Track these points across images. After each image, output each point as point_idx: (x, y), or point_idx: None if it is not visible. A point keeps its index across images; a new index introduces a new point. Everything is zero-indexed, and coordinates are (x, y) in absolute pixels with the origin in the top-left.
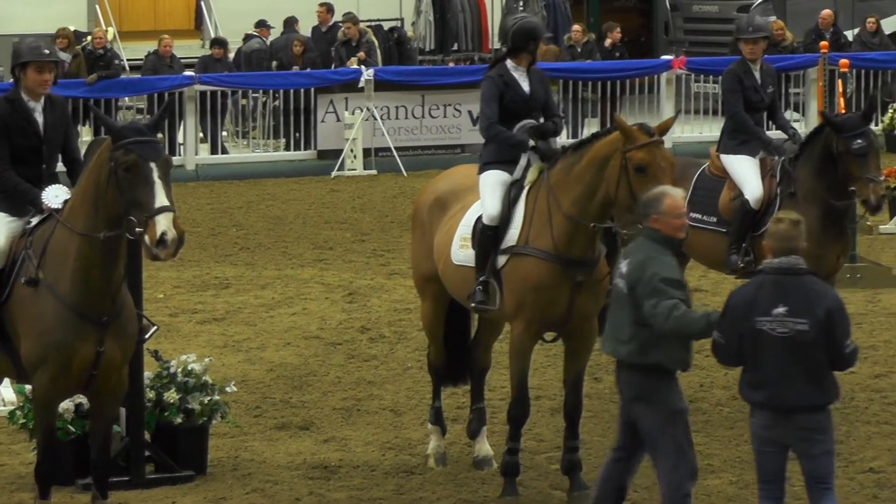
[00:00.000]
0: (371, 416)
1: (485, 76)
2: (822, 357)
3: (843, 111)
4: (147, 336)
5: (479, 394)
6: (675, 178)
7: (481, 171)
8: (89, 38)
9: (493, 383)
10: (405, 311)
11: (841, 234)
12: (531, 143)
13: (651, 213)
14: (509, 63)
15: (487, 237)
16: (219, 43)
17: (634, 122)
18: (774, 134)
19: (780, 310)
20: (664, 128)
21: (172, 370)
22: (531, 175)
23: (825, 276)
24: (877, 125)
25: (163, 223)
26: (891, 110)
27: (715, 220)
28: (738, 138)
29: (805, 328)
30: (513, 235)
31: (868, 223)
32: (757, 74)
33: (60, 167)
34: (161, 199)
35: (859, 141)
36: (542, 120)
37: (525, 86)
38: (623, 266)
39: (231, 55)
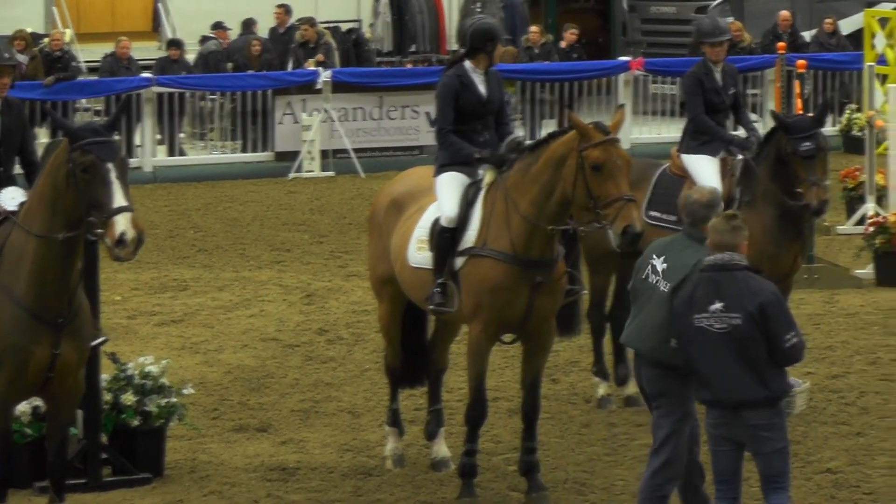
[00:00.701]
0: (329, 417)
1: (441, 77)
2: (761, 352)
3: (801, 112)
4: (95, 343)
5: (437, 395)
6: (636, 178)
7: (438, 172)
8: (46, 39)
9: (450, 385)
10: (363, 313)
11: (798, 234)
12: (477, 154)
13: (709, 217)
14: (467, 64)
15: (445, 239)
16: (175, 44)
17: (591, 122)
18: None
19: (717, 305)
20: (618, 125)
21: (129, 372)
22: (488, 176)
23: (783, 276)
24: (834, 126)
25: (122, 223)
26: (848, 111)
27: (675, 218)
28: (700, 139)
29: (739, 322)
30: (470, 237)
31: (825, 223)
32: (718, 76)
33: (18, 169)
34: (119, 199)
35: (807, 143)
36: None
37: (482, 88)
38: (660, 263)
39: (190, 57)
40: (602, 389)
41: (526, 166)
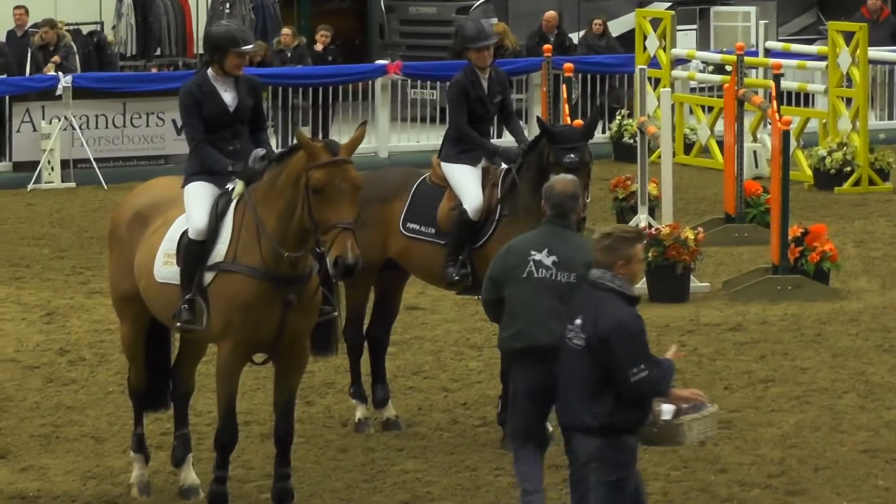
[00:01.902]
0: (71, 443)
1: (182, 86)
2: (597, 378)
3: (568, 118)
4: None
5: (184, 419)
6: (396, 187)
7: (186, 182)
8: None
9: (198, 408)
10: (106, 332)
11: None
12: (230, 167)
13: (579, 204)
14: (210, 72)
15: (193, 252)
16: None
17: (346, 134)
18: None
19: (578, 321)
20: (352, 146)
21: None
22: (238, 186)
23: None
24: (604, 133)
25: None
26: (618, 117)
27: (433, 231)
28: (460, 146)
29: (583, 344)
30: (220, 251)
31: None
32: (485, 83)
33: None
34: None
35: (571, 156)
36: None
37: (227, 96)
38: (545, 256)
39: None
40: (360, 412)
41: (273, 179)
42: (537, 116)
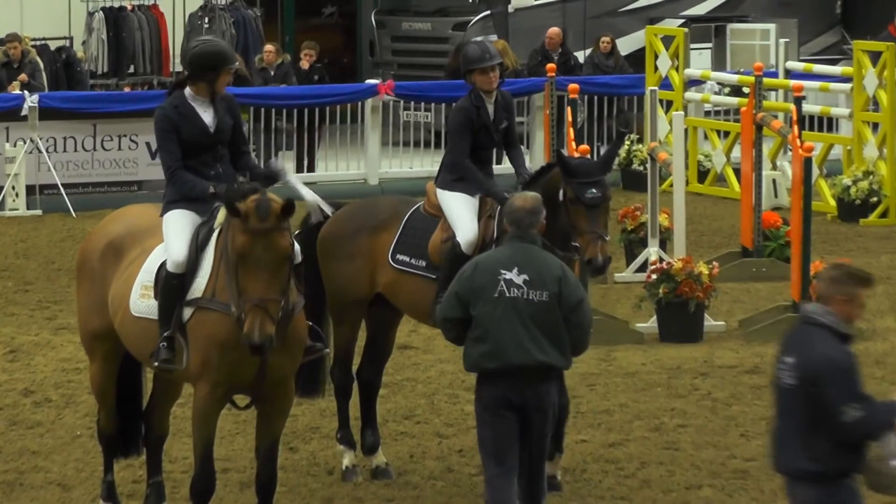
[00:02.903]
0: (36, 490)
1: (157, 109)
2: (811, 417)
3: (573, 143)
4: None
5: (157, 465)
6: (387, 216)
7: (165, 210)
8: None
9: (173, 453)
10: (74, 372)
11: None
12: (212, 189)
13: (540, 219)
14: (187, 92)
15: (172, 286)
16: None
17: (333, 160)
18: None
19: (789, 359)
20: (289, 209)
21: None
22: (221, 215)
23: None
24: None
25: None
26: (627, 142)
27: (424, 263)
28: (457, 173)
29: (794, 382)
30: (199, 285)
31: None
32: (491, 108)
33: None
34: None
35: (593, 190)
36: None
37: (207, 117)
38: (515, 275)
39: None
40: (347, 459)
41: None
42: (558, 150)
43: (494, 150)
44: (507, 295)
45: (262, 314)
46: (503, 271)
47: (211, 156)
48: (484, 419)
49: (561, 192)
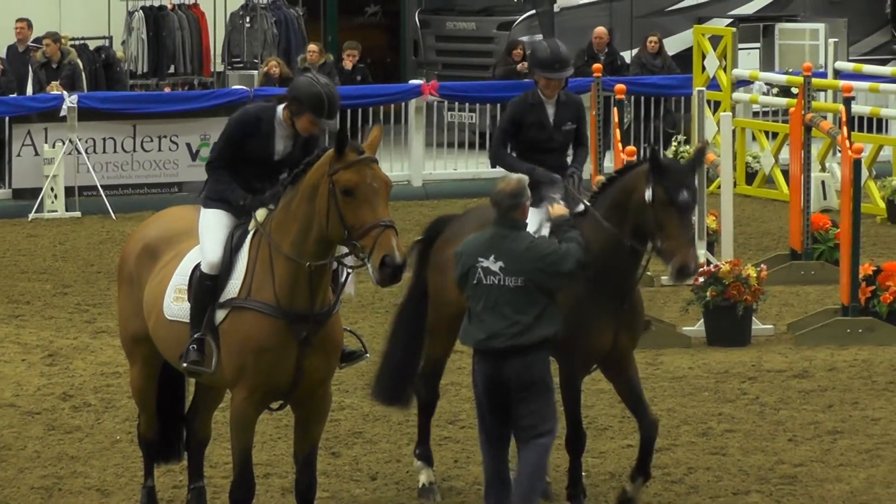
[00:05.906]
0: (75, 496)
1: (242, 110)
2: None
3: (619, 144)
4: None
5: (198, 471)
6: (483, 224)
7: (204, 203)
8: None
9: (214, 458)
10: (113, 376)
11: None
12: (242, 202)
13: (522, 202)
14: (279, 113)
15: (205, 288)
16: None
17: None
18: None
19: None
20: (374, 144)
21: None
22: (259, 216)
23: (615, 360)
24: None
25: None
26: (674, 143)
27: None
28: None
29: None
30: (234, 287)
31: (648, 272)
32: (550, 108)
33: None
34: None
35: (685, 193)
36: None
37: (281, 144)
38: (492, 263)
39: None
40: (424, 476)
41: (288, 203)
42: (652, 148)
43: (563, 157)
44: (485, 282)
45: (392, 234)
46: (480, 259)
47: (266, 175)
48: (475, 393)
49: (649, 192)
